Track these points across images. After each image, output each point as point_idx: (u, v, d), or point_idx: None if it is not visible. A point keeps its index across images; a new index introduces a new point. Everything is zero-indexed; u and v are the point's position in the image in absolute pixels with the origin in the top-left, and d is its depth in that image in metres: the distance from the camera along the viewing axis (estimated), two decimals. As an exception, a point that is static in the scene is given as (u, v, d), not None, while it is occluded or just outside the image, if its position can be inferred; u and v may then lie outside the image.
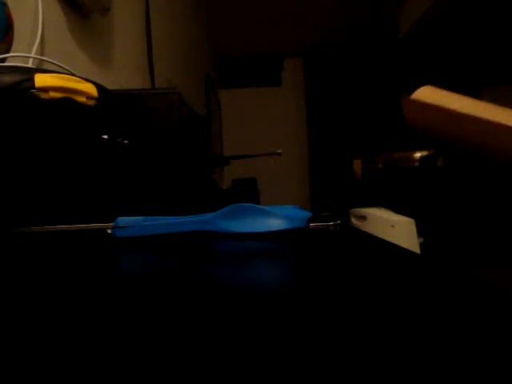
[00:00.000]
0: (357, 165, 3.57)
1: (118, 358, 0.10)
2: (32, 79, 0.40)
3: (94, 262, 0.24)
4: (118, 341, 0.11)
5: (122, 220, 0.31)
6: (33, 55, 0.67)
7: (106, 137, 0.49)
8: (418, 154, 3.49)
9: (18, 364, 0.10)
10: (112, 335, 0.12)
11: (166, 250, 0.28)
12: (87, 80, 0.47)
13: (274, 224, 0.32)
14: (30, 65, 0.64)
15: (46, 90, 0.41)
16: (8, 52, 0.61)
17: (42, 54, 0.73)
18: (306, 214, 0.33)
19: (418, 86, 0.51)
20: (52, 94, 0.42)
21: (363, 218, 1.82)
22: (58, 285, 0.18)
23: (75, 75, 0.47)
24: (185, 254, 0.26)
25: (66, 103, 0.43)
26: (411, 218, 1.65)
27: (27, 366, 0.10)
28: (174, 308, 0.14)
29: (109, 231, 0.32)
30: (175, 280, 0.18)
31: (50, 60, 0.65)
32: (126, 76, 1.23)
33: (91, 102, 0.46)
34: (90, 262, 0.24)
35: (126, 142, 0.53)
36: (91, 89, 0.46)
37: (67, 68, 0.68)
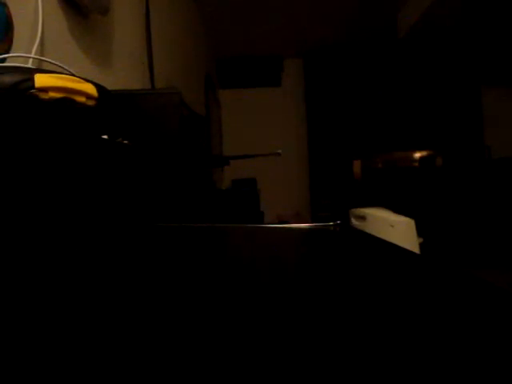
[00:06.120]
0: (357, 165, 3.57)
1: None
2: (32, 79, 0.40)
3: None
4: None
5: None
6: (33, 55, 0.67)
7: (105, 137, 0.49)
8: (417, 154, 3.49)
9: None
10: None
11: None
12: (87, 80, 0.47)
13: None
14: (29, 65, 0.64)
15: (45, 90, 0.41)
16: (8, 52, 0.61)
17: (41, 54, 0.73)
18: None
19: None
20: (52, 94, 0.42)
21: (363, 218, 1.82)
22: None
23: (75, 75, 0.47)
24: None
25: (66, 103, 0.43)
26: (411, 218, 1.65)
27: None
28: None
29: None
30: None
31: (50, 60, 0.65)
32: (126, 76, 1.23)
33: (91, 102, 0.46)
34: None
35: (126, 142, 0.53)
36: (91, 89, 0.46)
37: (67, 68, 0.68)
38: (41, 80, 0.41)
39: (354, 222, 1.91)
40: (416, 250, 1.58)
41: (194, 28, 2.69)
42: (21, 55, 0.64)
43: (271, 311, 0.13)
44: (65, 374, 0.09)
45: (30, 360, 0.10)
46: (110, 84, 1.05)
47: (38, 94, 0.41)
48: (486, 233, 3.11)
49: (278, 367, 0.09)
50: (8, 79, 0.39)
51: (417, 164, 3.44)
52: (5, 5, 0.61)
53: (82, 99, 0.45)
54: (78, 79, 0.45)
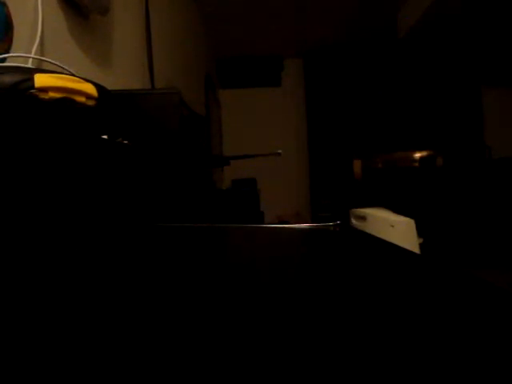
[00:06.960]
0: (357, 165, 3.57)
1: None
2: (31, 79, 0.40)
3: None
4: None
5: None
6: (33, 55, 0.67)
7: (105, 137, 0.49)
8: (417, 154, 3.49)
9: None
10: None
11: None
12: (87, 80, 0.47)
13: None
14: (29, 65, 0.64)
15: (45, 90, 0.41)
16: (8, 52, 0.61)
17: (41, 54, 0.73)
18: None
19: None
20: (51, 94, 0.42)
21: (363, 218, 1.82)
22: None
23: (75, 75, 0.47)
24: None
25: (66, 103, 0.43)
26: (411, 218, 1.65)
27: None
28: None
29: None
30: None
31: (50, 60, 0.65)
32: (126, 76, 1.23)
33: (91, 102, 0.46)
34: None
35: (126, 142, 0.53)
36: (91, 89, 0.46)
37: (67, 68, 0.68)
38: (41, 80, 0.41)
39: (354, 222, 1.91)
40: (416, 250, 1.58)
41: (194, 28, 2.69)
42: (21, 55, 0.64)
43: (271, 311, 0.13)
44: (65, 373, 0.09)
45: (30, 360, 0.10)
46: (110, 84, 1.05)
47: (37, 94, 0.41)
48: (486, 233, 3.11)
49: (277, 367, 0.09)
50: (8, 79, 0.39)
51: (417, 164, 3.44)
52: (4, 4, 0.61)
53: (81, 99, 0.45)
54: (77, 79, 0.45)
